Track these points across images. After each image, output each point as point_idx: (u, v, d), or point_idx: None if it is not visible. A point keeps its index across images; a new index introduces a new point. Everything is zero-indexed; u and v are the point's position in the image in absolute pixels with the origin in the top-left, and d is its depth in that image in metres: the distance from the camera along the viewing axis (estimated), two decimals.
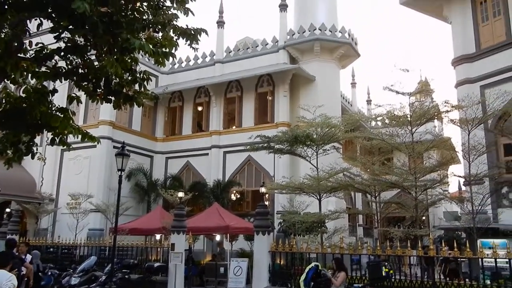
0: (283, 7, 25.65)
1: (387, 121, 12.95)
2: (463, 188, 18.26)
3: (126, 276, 13.37)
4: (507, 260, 8.94)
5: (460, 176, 13.11)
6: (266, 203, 18.67)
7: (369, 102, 39.10)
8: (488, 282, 9.37)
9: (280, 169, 21.76)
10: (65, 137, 6.92)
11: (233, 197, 23.45)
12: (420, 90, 13.99)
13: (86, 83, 6.97)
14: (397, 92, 12.01)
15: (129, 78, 7.21)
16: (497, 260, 8.89)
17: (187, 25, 6.85)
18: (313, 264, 9.32)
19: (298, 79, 24.12)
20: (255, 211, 12.52)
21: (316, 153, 13.83)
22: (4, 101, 6.64)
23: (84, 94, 7.11)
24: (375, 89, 53.07)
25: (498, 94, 12.08)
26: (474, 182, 11.97)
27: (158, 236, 18.47)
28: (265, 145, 14.86)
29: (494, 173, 13.10)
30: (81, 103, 7.37)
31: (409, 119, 11.84)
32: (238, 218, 17.88)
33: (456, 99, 15.00)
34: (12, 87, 17.77)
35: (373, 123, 28.18)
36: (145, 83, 7.40)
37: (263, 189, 18.67)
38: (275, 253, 11.91)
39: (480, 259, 9.15)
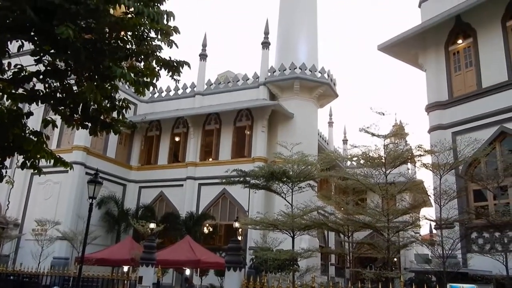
0: (265, 44, 26.24)
1: (362, 161, 13.14)
2: (434, 231, 18.48)
3: None
4: None
5: (431, 220, 13.30)
6: (239, 238, 18.41)
7: (345, 141, 39.85)
8: None
9: (254, 204, 21.65)
10: (37, 161, 6.75)
11: (205, 230, 23.08)
12: (395, 133, 14.30)
13: (63, 107, 6.87)
14: (373, 134, 12.25)
15: (108, 105, 7.15)
16: None
17: (170, 57, 6.90)
18: None
19: (277, 115, 24.42)
20: (228, 246, 12.32)
21: (292, 190, 13.83)
22: None
23: (60, 118, 7.00)
24: (352, 129, 54.29)
25: (469, 142, 12.48)
26: (445, 226, 12.15)
27: (126, 268, 17.88)
28: (241, 179, 14.80)
29: (464, 218, 13.35)
30: (57, 127, 7.24)
31: (383, 161, 12.05)
32: (209, 253, 17.54)
33: (429, 144, 15.42)
34: None
35: (349, 163, 28.53)
36: (124, 111, 7.35)
37: (236, 224, 18.49)
38: None
39: None
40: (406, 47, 19.27)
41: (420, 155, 12.41)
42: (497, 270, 11.59)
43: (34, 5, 5.13)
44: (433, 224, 15.83)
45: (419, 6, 19.10)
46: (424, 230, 24.82)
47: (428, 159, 13.36)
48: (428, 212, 14.58)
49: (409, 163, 20.03)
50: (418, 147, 12.18)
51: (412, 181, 14.18)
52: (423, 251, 19.01)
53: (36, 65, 6.37)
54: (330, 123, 37.68)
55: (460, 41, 17.72)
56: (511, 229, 12.19)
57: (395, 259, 24.53)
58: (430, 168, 12.56)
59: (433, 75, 18.29)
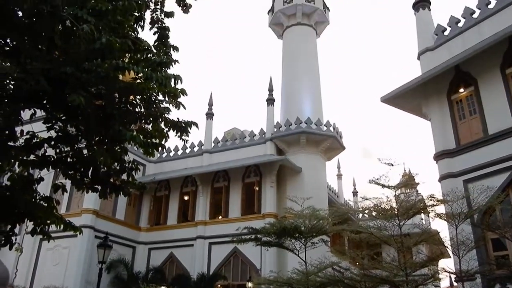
0: (270, 101, 26.75)
1: (374, 214, 12.93)
2: (455, 284, 17.77)
3: None
4: None
5: (451, 272, 12.83)
6: None
7: (355, 193, 39.45)
8: None
9: (267, 263, 21.09)
10: (46, 227, 6.72)
11: None
12: (405, 183, 14.15)
13: (73, 171, 6.94)
14: (383, 186, 12.16)
15: (118, 167, 7.22)
16: None
17: (178, 118, 7.04)
18: None
19: (285, 170, 24.40)
20: None
21: (304, 246, 13.55)
22: None
23: (70, 182, 7.04)
24: (361, 180, 53.80)
25: (482, 189, 12.30)
26: (466, 278, 11.69)
27: None
28: (252, 237, 14.56)
29: (485, 269, 12.86)
30: (66, 192, 7.27)
31: (396, 212, 11.85)
32: None
33: (440, 192, 15.20)
34: None
35: (361, 215, 28.07)
36: (133, 172, 7.40)
37: (250, 284, 17.92)
38: None
39: None
40: (408, 98, 19.51)
41: (433, 205, 12.21)
42: None
43: (47, 75, 5.34)
44: (453, 276, 15.26)
45: (418, 58, 19.57)
46: (445, 283, 23.90)
47: (441, 208, 13.12)
48: (447, 264, 14.13)
49: (422, 214, 19.65)
50: (431, 197, 12.01)
51: (427, 232, 13.83)
52: None
53: (47, 131, 6.52)
54: (339, 176, 37.51)
55: (461, 90, 17.94)
56: None
57: None
58: (445, 218, 12.31)
59: (438, 124, 18.36)
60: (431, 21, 19.47)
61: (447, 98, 18.34)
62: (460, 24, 17.70)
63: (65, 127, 6.58)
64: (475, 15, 17.18)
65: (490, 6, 16.57)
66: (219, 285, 22.56)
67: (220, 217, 25.36)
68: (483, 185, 12.91)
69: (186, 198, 27.36)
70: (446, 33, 18.24)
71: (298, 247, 13.63)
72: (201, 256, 23.87)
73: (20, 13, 5.38)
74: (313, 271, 13.23)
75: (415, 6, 19.77)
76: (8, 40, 5.70)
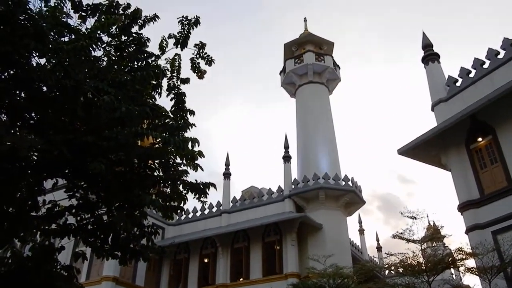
0: (286, 158, 26.82)
1: (401, 270, 12.44)
2: None
3: None
4: None
5: None
6: None
7: (379, 249, 38.18)
8: None
9: None
10: None
11: None
12: (431, 237, 13.71)
13: (93, 239, 6.93)
14: (408, 240, 11.79)
15: (137, 232, 7.20)
16: None
17: (196, 180, 7.09)
18: None
19: (305, 228, 23.93)
20: None
21: None
22: (9, 261, 6.53)
23: (91, 250, 7.01)
24: (384, 235, 52.27)
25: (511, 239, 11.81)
26: None
27: None
28: None
29: None
30: (87, 259, 7.24)
31: (423, 267, 11.39)
32: None
33: (468, 245, 14.63)
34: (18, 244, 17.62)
35: (387, 272, 27.02)
36: (153, 237, 7.36)
37: None
38: None
39: None
40: (426, 149, 19.37)
41: (462, 259, 11.72)
42: None
43: (69, 145, 5.50)
44: None
45: (432, 110, 19.64)
46: None
47: (471, 262, 12.58)
48: None
49: (452, 268, 18.81)
50: (459, 250, 11.57)
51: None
52: None
53: (69, 199, 6.61)
54: (361, 231, 36.55)
55: (480, 139, 17.78)
56: None
57: None
58: (476, 273, 11.75)
59: (459, 174, 18.03)
60: (442, 73, 19.75)
61: (465, 148, 18.15)
62: (471, 75, 17.90)
63: (86, 194, 6.68)
64: (485, 66, 17.40)
65: (500, 56, 16.82)
66: None
67: (241, 279, 24.64)
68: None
69: (206, 260, 26.80)
70: (458, 84, 18.42)
71: None
72: None
73: (45, 88, 5.66)
74: None
75: (425, 60, 20.16)
76: (32, 114, 5.95)
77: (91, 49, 5.82)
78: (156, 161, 7.08)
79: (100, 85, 5.47)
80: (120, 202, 6.84)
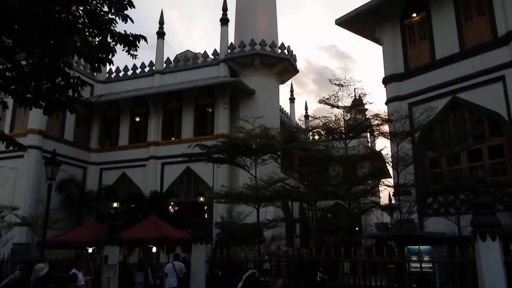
0: (224, 21, 25.89)
1: (323, 133, 13.43)
2: (393, 200, 19.27)
3: None
4: (431, 265, 9.63)
5: (389, 186, 13.84)
6: (205, 215, 18.50)
7: (306, 117, 40.24)
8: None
9: (219, 180, 21.71)
10: None
11: (171, 208, 23.00)
12: (354, 104, 14.65)
13: (14, 87, 6.59)
14: (332, 106, 12.51)
15: (62, 83, 6.91)
16: (422, 265, 9.53)
17: (125, 31, 6.72)
18: (250, 272, 9.37)
19: (238, 93, 24.34)
20: (193, 220, 12.39)
21: (255, 163, 13.97)
22: None
23: (12, 98, 6.71)
24: (312, 105, 54.82)
25: (424, 109, 12.94)
26: (403, 190, 12.67)
27: (90, 250, 17.64)
28: (204, 151, 14.77)
29: (420, 183, 13.96)
30: (7, 108, 6.96)
31: (343, 130, 12.36)
32: (175, 230, 17.51)
33: (386, 114, 15.90)
34: None
35: (311, 138, 29.06)
36: (79, 88, 7.13)
37: (201, 198, 18.49)
38: (212, 263, 11.84)
39: (407, 263, 9.71)
40: (363, 22, 19.56)
41: (378, 124, 12.80)
42: (450, 230, 12.24)
43: None
44: (391, 192, 16.49)
45: None
46: (384, 200, 25.81)
47: (386, 129, 13.81)
48: (388, 183, 15.17)
49: (368, 135, 20.60)
50: (376, 116, 12.55)
51: (371, 149, 14.64)
52: (383, 220, 19.86)
53: None
54: (292, 99, 37.96)
55: (414, 15, 18.15)
56: (463, 192, 12.84)
57: (357, 228, 25.39)
58: (388, 137, 12.99)
59: (390, 48, 18.72)
60: None
61: (399, 23, 18.57)
62: None
63: (1, 37, 6.14)
64: None
65: None
66: (172, 203, 23.17)
67: (172, 138, 25.38)
68: (425, 106, 13.57)
69: (137, 119, 26.97)
70: None
71: (249, 164, 14.06)
72: (154, 175, 24.16)
73: None
74: (263, 186, 13.82)
75: None
76: None
77: None
78: (81, 8, 6.51)
79: None
80: (40, 49, 6.39)
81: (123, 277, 13.62)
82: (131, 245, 15.46)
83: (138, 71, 27.14)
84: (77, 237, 16.95)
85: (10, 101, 7.35)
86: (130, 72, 27.40)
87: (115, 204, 18.45)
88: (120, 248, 13.69)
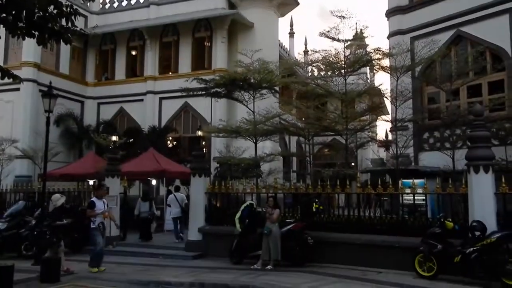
0: None
1: (322, 67, 13.21)
2: (390, 136, 19.40)
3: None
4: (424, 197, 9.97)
5: (387, 121, 13.87)
6: (203, 149, 18.71)
7: (306, 52, 39.41)
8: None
9: (217, 115, 21.66)
10: None
11: (169, 143, 23.20)
12: (355, 37, 14.28)
13: (4, 15, 6.37)
14: (333, 39, 12.20)
15: (54, 11, 6.68)
16: (416, 198, 9.83)
17: None
18: (247, 202, 9.65)
19: (236, 26, 23.65)
20: (192, 153, 12.53)
21: (253, 97, 13.88)
22: None
23: (3, 27, 6.51)
24: (313, 41, 53.42)
25: (426, 43, 12.65)
26: (400, 125, 12.72)
27: (91, 182, 18.03)
28: (202, 86, 14.63)
29: (418, 117, 13.97)
30: (0, 38, 6.76)
31: (343, 65, 12.15)
32: (174, 163, 17.81)
33: (388, 49, 15.57)
34: None
35: (310, 73, 28.70)
36: (73, 17, 6.90)
37: (200, 132, 18.59)
38: (211, 194, 12.15)
39: (400, 195, 10.00)
40: None
41: (379, 58, 12.55)
42: (445, 163, 12.45)
43: None
44: (388, 127, 16.56)
45: None
46: (381, 136, 26.00)
47: (387, 63, 13.56)
48: (385, 119, 15.16)
49: (368, 70, 20.32)
50: (376, 50, 12.28)
51: (370, 85, 14.51)
52: (379, 156, 20.16)
53: None
54: (291, 34, 36.98)
55: None
56: (459, 127, 12.91)
57: (353, 164, 25.82)
58: (388, 71, 12.78)
59: None
60: None
61: None
62: None
63: None
64: None
65: None
66: (170, 137, 23.33)
67: (170, 73, 25.01)
68: (428, 39, 13.25)
69: (133, 52, 26.41)
70: None
71: (247, 98, 13.97)
72: (152, 110, 24.12)
73: None
74: (261, 120, 13.85)
75: None
76: None
77: None
78: None
79: None
80: None
81: (124, 208, 14.01)
82: (130, 178, 15.78)
83: (133, 1, 26.19)
84: (78, 169, 17.28)
85: (2, 31, 7.13)
86: (125, 3, 26.43)
87: (114, 138, 18.56)
88: (120, 181, 13.98)
